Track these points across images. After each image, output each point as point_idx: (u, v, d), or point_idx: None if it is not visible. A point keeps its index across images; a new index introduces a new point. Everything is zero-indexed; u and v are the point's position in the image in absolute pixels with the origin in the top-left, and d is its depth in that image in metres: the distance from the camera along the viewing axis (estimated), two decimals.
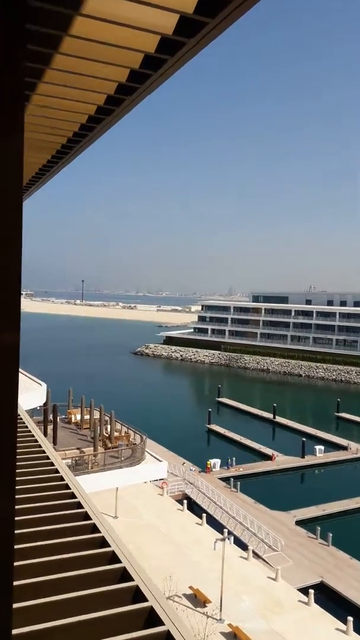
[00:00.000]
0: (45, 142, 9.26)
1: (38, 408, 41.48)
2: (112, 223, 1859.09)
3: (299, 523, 43.41)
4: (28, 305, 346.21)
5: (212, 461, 53.96)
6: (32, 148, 9.64)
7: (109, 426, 41.21)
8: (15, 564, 6.74)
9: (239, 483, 49.58)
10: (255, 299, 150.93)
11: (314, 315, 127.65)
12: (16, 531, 7.65)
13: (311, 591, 31.44)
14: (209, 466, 53.39)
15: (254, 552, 36.77)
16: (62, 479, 10.03)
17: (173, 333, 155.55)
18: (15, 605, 5.77)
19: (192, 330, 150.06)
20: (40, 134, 8.82)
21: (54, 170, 11.56)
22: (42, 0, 4.90)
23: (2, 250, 1.78)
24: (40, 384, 41.16)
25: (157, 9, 5.20)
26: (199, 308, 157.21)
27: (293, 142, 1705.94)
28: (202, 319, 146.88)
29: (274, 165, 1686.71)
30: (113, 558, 7.27)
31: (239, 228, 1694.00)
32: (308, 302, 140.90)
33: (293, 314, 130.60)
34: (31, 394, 37.87)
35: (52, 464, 10.75)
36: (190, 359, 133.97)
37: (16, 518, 8.11)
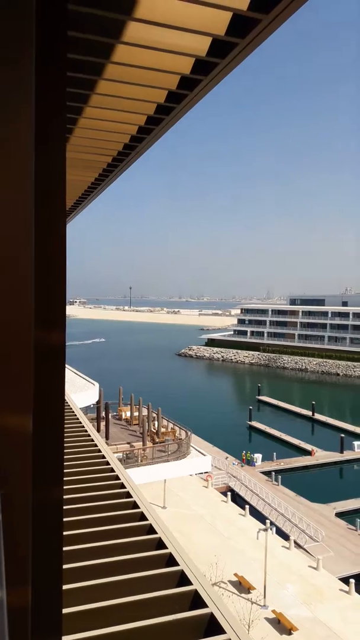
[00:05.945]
0: (92, 161, 9.45)
1: (92, 406, 42.17)
2: (154, 236, 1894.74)
3: (339, 515, 42.41)
4: (81, 312, 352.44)
5: (255, 455, 53.52)
6: (79, 167, 9.85)
7: (156, 422, 41.45)
8: (68, 548, 6.87)
9: (280, 477, 48.94)
10: (293, 302, 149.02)
11: (350, 316, 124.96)
12: (70, 518, 7.80)
13: (352, 581, 30.67)
14: (244, 458, 53.21)
15: (295, 542, 36.18)
16: (112, 470, 10.17)
17: (214, 335, 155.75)
18: (66, 587, 5.89)
19: (232, 332, 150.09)
20: (87, 154, 9.02)
21: (100, 188, 11.77)
22: (84, 32, 5.04)
23: (49, 266, 1.90)
24: (94, 384, 41.84)
25: (191, 34, 5.25)
26: (239, 312, 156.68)
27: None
28: (241, 321, 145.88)
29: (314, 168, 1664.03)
30: (160, 544, 7.32)
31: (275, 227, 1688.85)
32: (344, 304, 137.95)
33: (330, 315, 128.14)
34: (85, 393, 38.55)
35: (103, 457, 10.92)
36: (231, 359, 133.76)
37: (70, 506, 8.26)
